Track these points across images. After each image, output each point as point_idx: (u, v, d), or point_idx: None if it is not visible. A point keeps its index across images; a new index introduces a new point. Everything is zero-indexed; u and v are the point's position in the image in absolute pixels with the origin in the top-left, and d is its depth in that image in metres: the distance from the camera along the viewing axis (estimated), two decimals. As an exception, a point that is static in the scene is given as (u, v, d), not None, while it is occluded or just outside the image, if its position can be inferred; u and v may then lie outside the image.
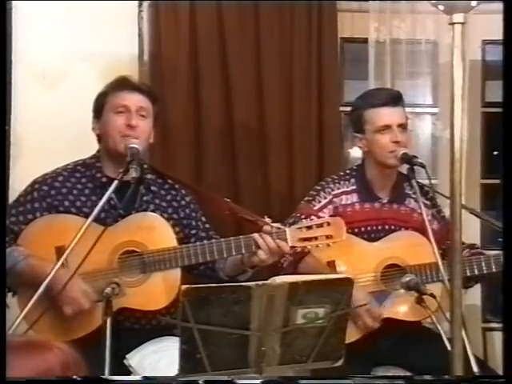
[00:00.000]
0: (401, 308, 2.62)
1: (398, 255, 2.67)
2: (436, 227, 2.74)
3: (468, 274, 2.62)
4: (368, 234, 2.72)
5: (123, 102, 2.52)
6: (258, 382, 1.82)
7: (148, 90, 2.61)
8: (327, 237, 2.43)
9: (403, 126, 2.71)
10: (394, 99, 2.72)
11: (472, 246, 2.82)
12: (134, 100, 2.53)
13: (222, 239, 2.47)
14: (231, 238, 2.45)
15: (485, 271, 2.65)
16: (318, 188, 2.77)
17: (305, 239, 2.43)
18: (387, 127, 2.68)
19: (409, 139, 2.74)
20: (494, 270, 2.64)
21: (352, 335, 2.47)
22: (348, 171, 2.83)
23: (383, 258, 2.66)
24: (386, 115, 2.69)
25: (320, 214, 2.69)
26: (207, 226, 2.66)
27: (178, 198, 2.63)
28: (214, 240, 2.50)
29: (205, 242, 2.49)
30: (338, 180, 2.78)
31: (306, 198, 2.76)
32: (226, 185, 3.26)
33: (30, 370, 1.26)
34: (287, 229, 2.43)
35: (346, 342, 2.01)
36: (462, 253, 2.62)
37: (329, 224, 2.44)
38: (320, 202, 2.73)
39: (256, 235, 2.41)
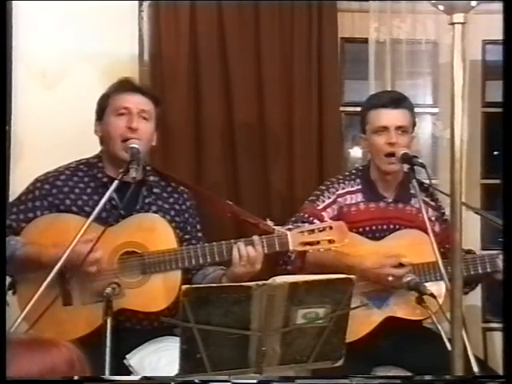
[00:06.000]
0: (401, 308, 2.61)
1: (402, 254, 2.66)
2: (439, 228, 2.74)
3: (464, 273, 2.62)
4: (373, 233, 2.72)
5: (125, 104, 2.51)
6: (255, 381, 1.82)
7: (150, 92, 2.61)
8: (329, 241, 2.43)
9: (403, 129, 2.68)
10: (396, 101, 2.70)
11: (469, 251, 2.81)
12: (136, 102, 2.52)
13: (223, 242, 2.45)
14: (231, 240, 2.44)
15: (480, 271, 2.65)
16: (323, 188, 2.77)
17: (306, 243, 2.42)
18: (384, 128, 2.67)
19: (410, 142, 2.70)
20: (488, 270, 2.64)
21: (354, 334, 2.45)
22: (354, 171, 2.83)
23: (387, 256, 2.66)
24: (384, 116, 2.68)
25: (323, 213, 2.69)
26: (200, 234, 2.65)
27: (179, 201, 2.63)
28: (214, 243, 2.48)
29: (205, 244, 2.48)
30: (342, 180, 2.77)
31: (310, 198, 2.76)
32: (226, 185, 3.25)
33: (35, 366, 1.26)
34: (289, 232, 2.43)
35: (347, 341, 2.02)
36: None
37: (331, 228, 2.44)
38: (324, 201, 2.72)
39: (234, 247, 2.38)
